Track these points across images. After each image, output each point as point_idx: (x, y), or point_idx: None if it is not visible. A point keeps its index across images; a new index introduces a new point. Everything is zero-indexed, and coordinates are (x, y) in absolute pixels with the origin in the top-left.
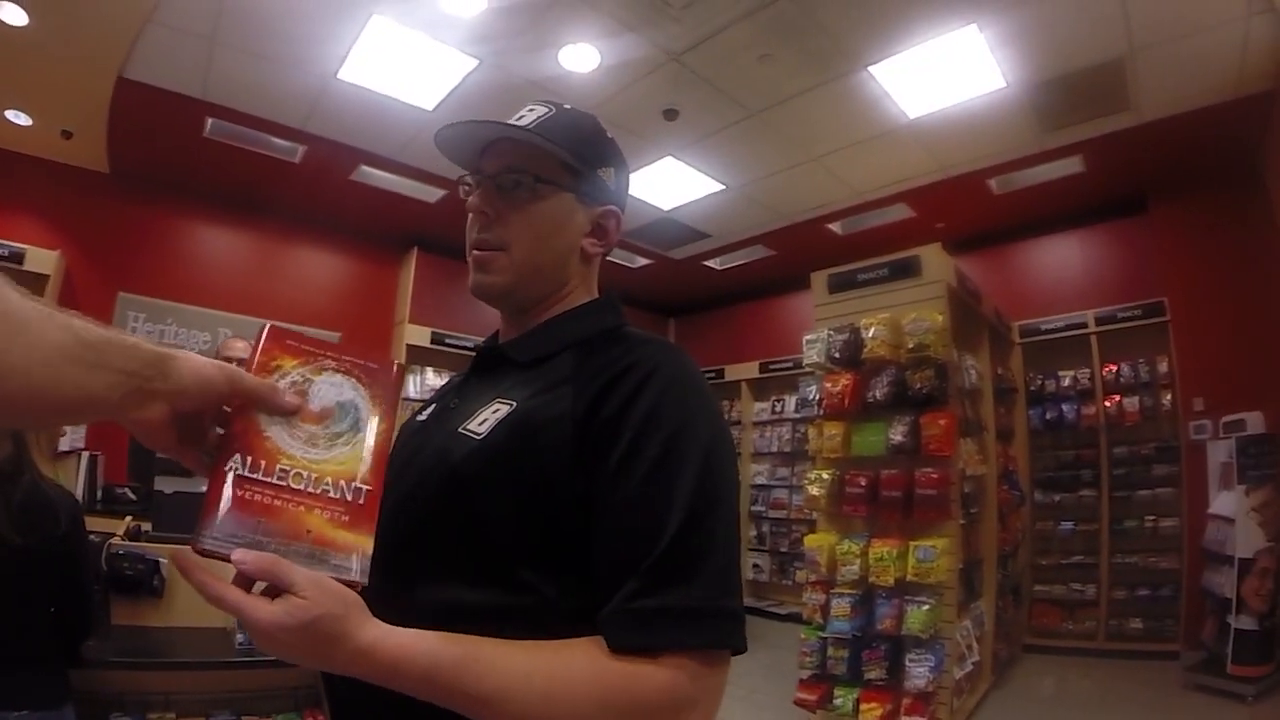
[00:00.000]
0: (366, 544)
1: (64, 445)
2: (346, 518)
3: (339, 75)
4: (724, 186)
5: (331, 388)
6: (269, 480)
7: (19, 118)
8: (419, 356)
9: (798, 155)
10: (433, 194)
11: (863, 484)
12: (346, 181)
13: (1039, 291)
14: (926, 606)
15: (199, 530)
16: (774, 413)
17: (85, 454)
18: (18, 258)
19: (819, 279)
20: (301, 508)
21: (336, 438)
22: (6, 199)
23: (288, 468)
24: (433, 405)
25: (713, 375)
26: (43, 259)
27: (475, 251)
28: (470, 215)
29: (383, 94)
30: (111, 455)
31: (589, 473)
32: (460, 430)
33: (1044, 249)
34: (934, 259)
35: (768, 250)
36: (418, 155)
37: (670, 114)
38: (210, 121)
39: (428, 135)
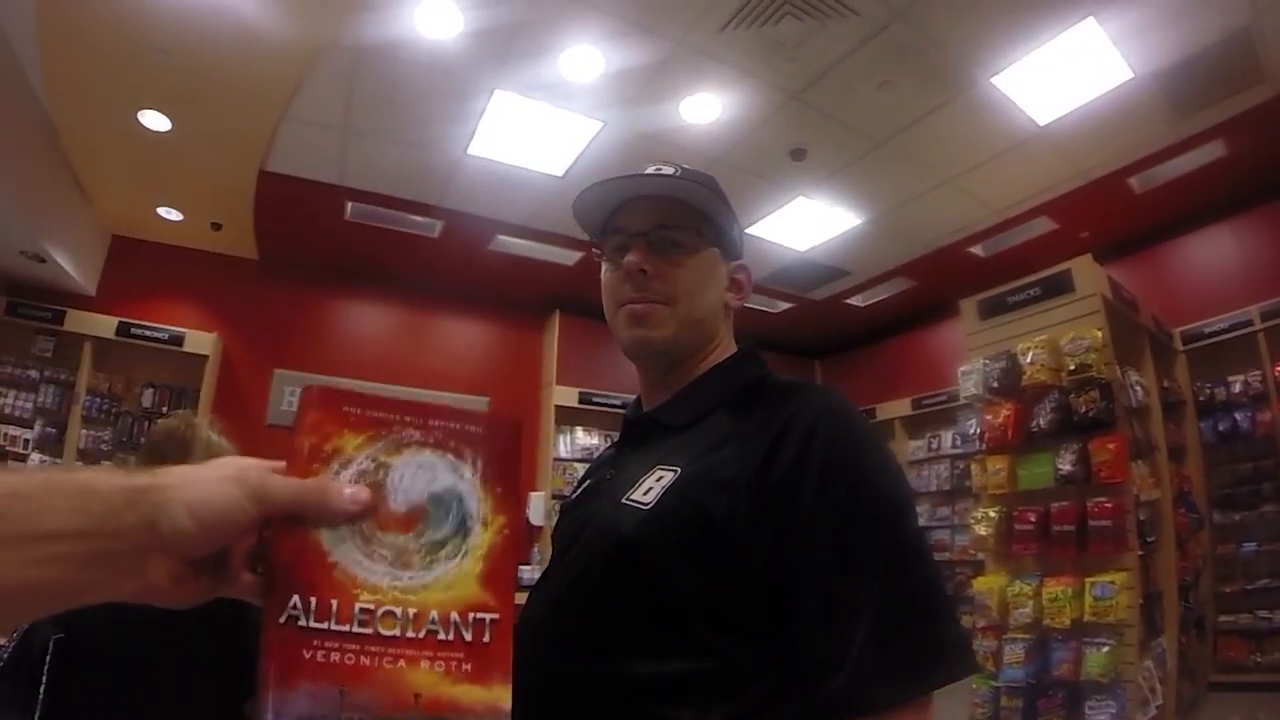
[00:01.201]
0: (503, 699)
1: None
2: (469, 666)
3: (469, 151)
4: (858, 220)
5: (420, 471)
6: (346, 630)
7: (171, 214)
8: (568, 417)
9: (930, 179)
10: (570, 257)
11: (1032, 520)
12: (485, 251)
13: (1197, 292)
14: (1106, 648)
15: (259, 714)
16: (930, 450)
17: None
18: (178, 340)
19: (968, 306)
20: (402, 663)
21: (437, 549)
22: (166, 288)
23: (372, 606)
24: (586, 482)
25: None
26: (201, 341)
27: (634, 305)
28: (614, 276)
29: (513, 165)
30: None
31: (771, 535)
32: (625, 501)
33: (1196, 245)
34: (1085, 271)
35: (909, 281)
36: (553, 220)
37: (797, 154)
38: (350, 205)
39: (560, 201)
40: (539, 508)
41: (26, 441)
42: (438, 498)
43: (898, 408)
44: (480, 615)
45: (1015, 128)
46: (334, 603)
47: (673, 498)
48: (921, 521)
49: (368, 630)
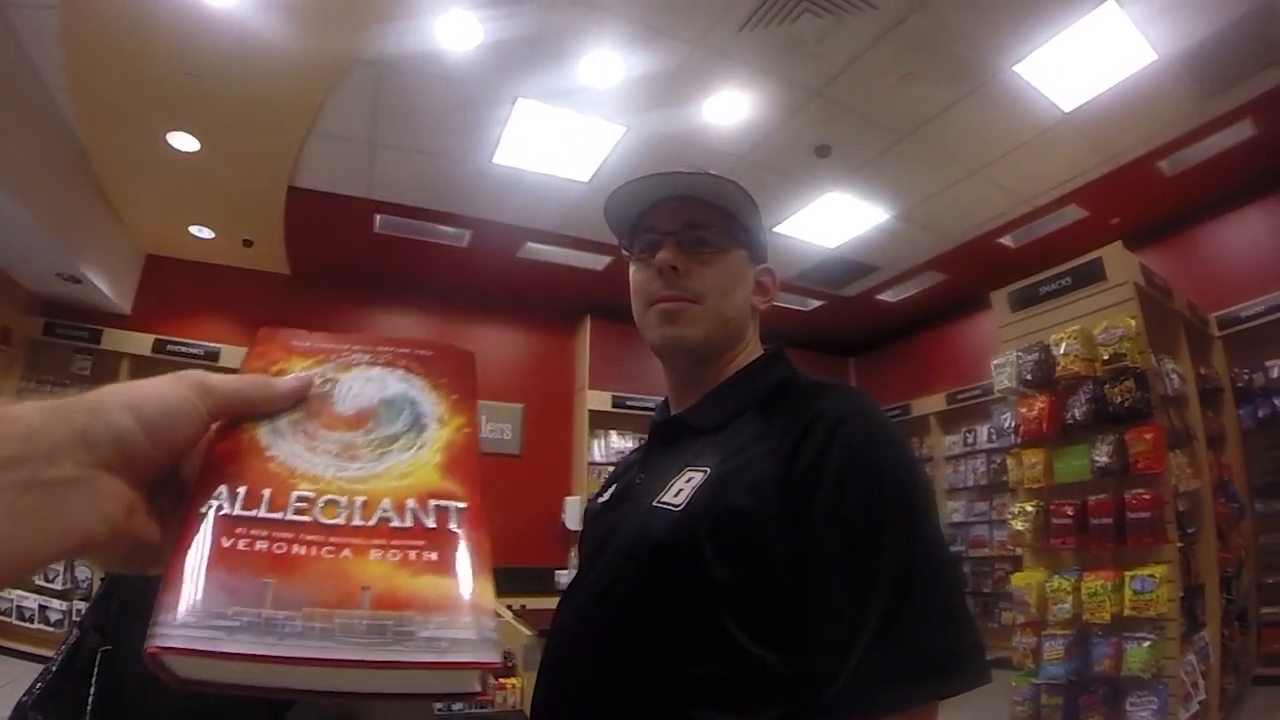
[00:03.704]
0: (482, 596)
1: None
2: (434, 555)
3: (494, 160)
4: (886, 216)
5: (370, 382)
6: (278, 517)
7: (202, 232)
8: (602, 421)
9: (957, 171)
10: (600, 261)
11: (1069, 513)
12: (514, 259)
13: (1232, 275)
14: (1147, 643)
15: (153, 623)
16: (966, 445)
17: None
18: (213, 355)
19: (999, 298)
20: (347, 551)
21: (389, 443)
22: (200, 304)
23: (312, 494)
24: (613, 486)
25: (898, 411)
26: (236, 356)
27: (664, 304)
28: (644, 274)
29: (538, 172)
30: None
31: (793, 534)
32: (655, 504)
33: (1229, 227)
34: (1117, 259)
35: (940, 275)
36: (581, 226)
37: (822, 150)
38: (379, 218)
39: (587, 207)
40: (574, 512)
41: None
42: (389, 400)
43: (932, 403)
44: (443, 502)
45: (1040, 115)
46: (266, 491)
47: (703, 498)
48: (959, 517)
49: (305, 518)
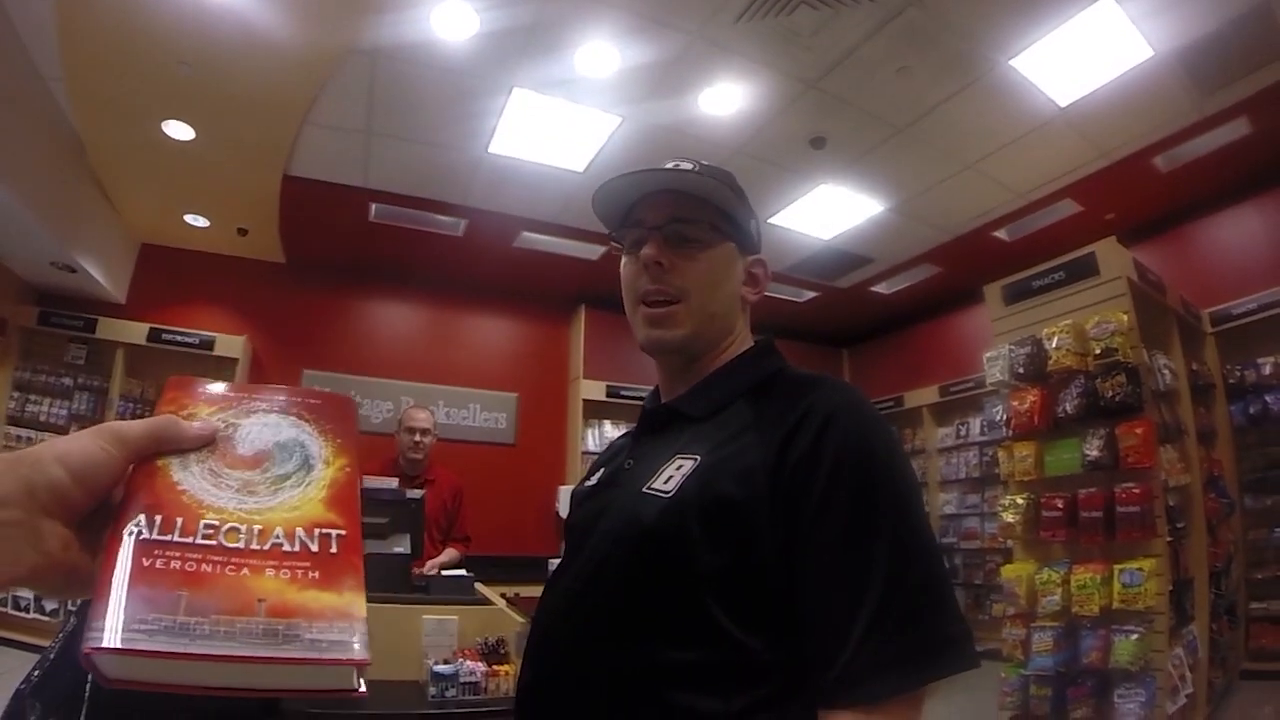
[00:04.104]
0: (356, 604)
1: None
2: (316, 574)
3: (490, 149)
4: (881, 208)
5: (266, 428)
6: (189, 541)
7: (197, 220)
8: (596, 411)
9: (953, 165)
10: (595, 251)
11: (1060, 506)
12: (510, 248)
13: (1225, 272)
14: (1135, 636)
15: (87, 630)
16: (959, 437)
17: None
18: (208, 344)
19: (993, 291)
20: (245, 570)
21: (282, 480)
22: (195, 293)
23: (217, 523)
24: (601, 470)
25: (891, 403)
26: (231, 344)
27: (649, 307)
28: (632, 269)
29: (534, 162)
30: None
31: (783, 523)
32: (645, 490)
33: (1223, 224)
34: (1110, 254)
35: (935, 268)
36: (576, 216)
37: (818, 142)
38: (374, 206)
39: (583, 197)
40: (568, 502)
41: None
42: (282, 444)
43: (925, 395)
44: (326, 530)
45: (1036, 110)
46: (179, 519)
47: (693, 485)
48: (950, 509)
49: (211, 542)
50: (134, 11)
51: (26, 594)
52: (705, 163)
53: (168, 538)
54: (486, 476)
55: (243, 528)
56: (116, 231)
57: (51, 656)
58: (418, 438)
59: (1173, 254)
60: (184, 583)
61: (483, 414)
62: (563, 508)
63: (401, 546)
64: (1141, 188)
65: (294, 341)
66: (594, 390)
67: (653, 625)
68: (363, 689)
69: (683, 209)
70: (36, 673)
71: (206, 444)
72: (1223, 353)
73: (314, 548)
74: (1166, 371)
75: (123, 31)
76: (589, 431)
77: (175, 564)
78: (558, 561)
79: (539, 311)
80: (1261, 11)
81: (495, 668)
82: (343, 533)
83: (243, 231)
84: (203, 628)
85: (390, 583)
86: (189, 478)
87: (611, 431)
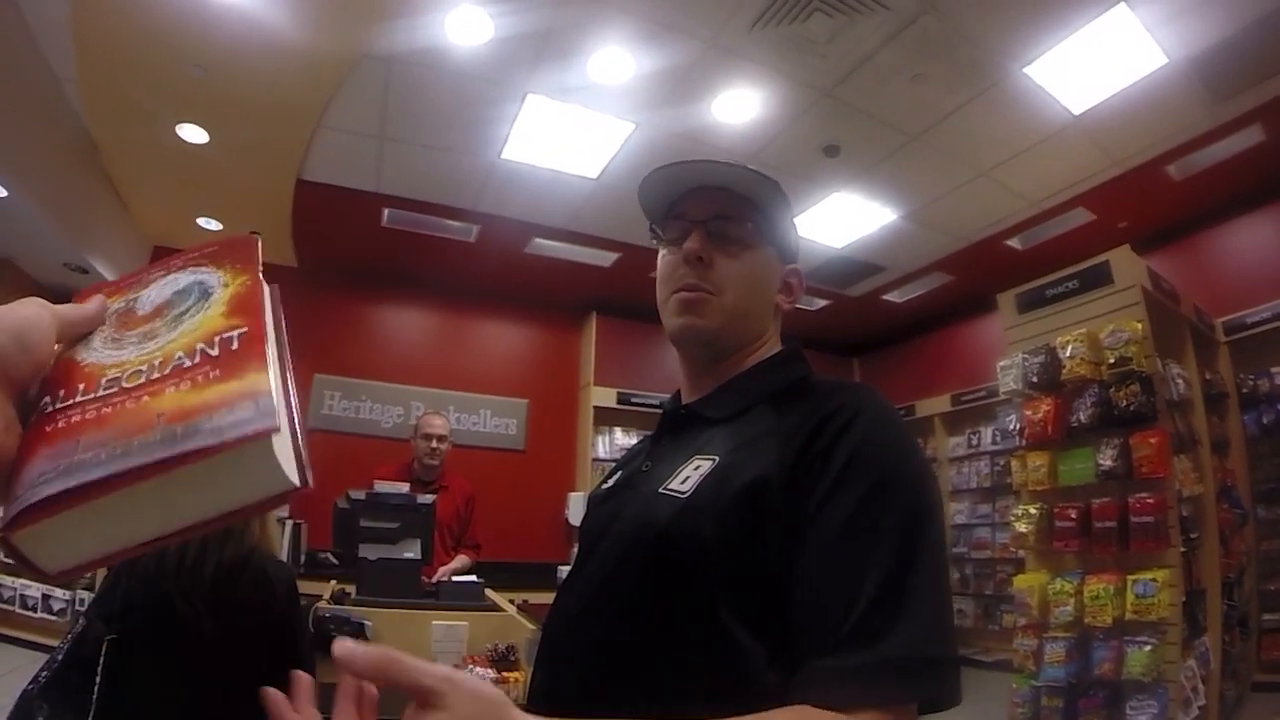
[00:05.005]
0: (258, 381)
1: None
2: (218, 372)
3: (503, 155)
4: (894, 216)
5: (165, 286)
6: (92, 395)
7: (210, 224)
8: (606, 418)
9: (966, 173)
10: (607, 258)
11: (1073, 516)
12: (522, 254)
13: (1239, 281)
14: (1148, 647)
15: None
16: (970, 446)
17: (290, 522)
18: None
19: (1006, 300)
20: (145, 397)
21: (181, 318)
22: None
23: (119, 374)
24: (619, 472)
25: (902, 412)
26: None
27: (685, 293)
28: (670, 259)
29: (547, 168)
30: (315, 522)
31: (793, 516)
32: (661, 491)
33: (1237, 233)
34: (1124, 263)
35: (947, 276)
36: (589, 223)
37: (831, 150)
38: (387, 211)
39: (596, 203)
40: (577, 508)
41: None
42: (181, 290)
43: (937, 404)
44: (227, 335)
45: (1050, 118)
46: (81, 385)
47: (710, 487)
48: (962, 518)
49: (113, 390)
50: (149, 14)
51: (34, 594)
52: (752, 166)
53: (70, 401)
54: (496, 482)
55: (144, 366)
56: (129, 233)
57: (59, 658)
58: (434, 444)
59: (1186, 263)
60: (82, 429)
61: (493, 420)
62: (572, 514)
63: (412, 552)
64: (1155, 196)
65: (305, 346)
66: (604, 397)
67: (663, 627)
68: (309, 484)
69: (728, 206)
70: (44, 674)
71: (102, 315)
72: (1236, 362)
73: (214, 353)
74: (1180, 381)
75: (137, 34)
76: (599, 438)
77: (75, 418)
78: (566, 568)
79: (550, 317)
80: (1276, 18)
81: (505, 674)
82: (244, 329)
83: (255, 235)
84: (98, 456)
85: (400, 588)
86: (90, 353)
87: (622, 438)
